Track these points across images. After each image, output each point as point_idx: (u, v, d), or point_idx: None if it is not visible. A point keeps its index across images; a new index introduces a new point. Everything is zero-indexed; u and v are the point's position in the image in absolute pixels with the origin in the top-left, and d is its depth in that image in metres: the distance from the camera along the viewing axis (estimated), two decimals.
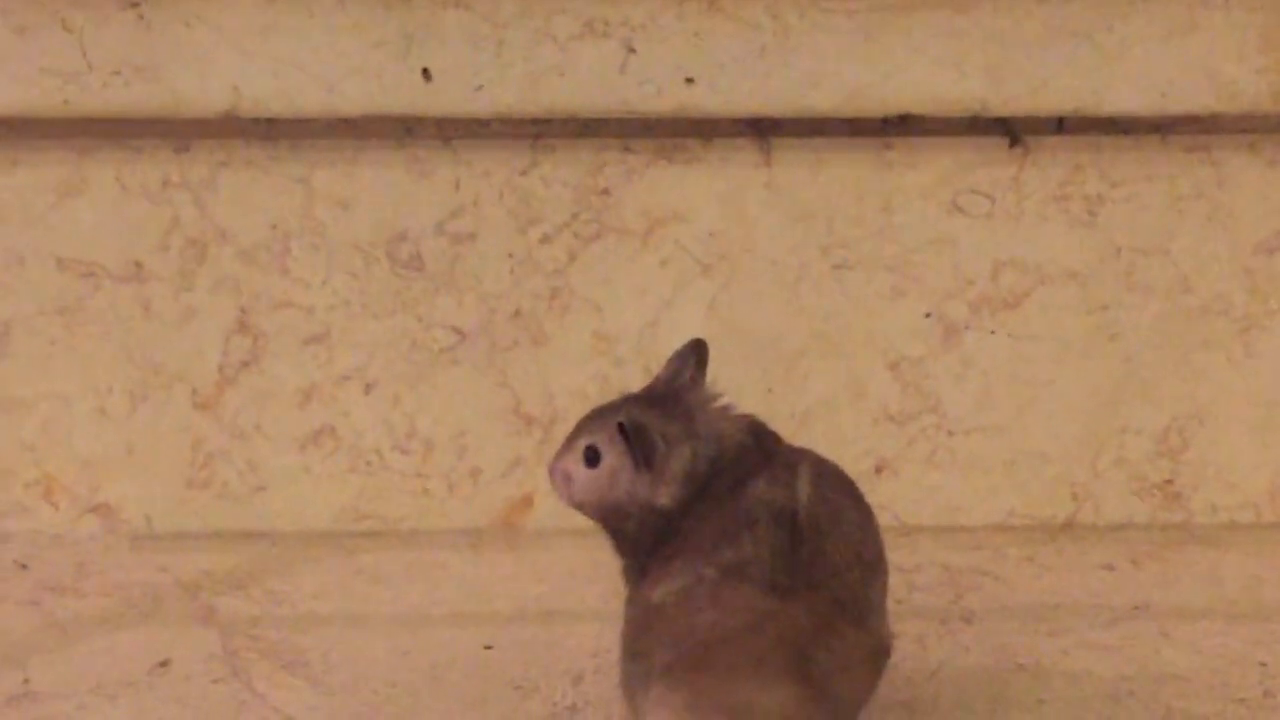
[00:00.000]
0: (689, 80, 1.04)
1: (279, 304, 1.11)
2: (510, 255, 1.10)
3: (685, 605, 0.81)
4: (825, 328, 1.10)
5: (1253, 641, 0.96)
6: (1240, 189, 1.08)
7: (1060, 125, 1.06)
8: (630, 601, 0.85)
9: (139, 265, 1.10)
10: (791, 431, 0.96)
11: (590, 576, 1.06)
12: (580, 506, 0.87)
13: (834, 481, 0.86)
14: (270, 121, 1.07)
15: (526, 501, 1.13)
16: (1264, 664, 0.93)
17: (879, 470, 1.10)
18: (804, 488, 0.84)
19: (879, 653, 0.84)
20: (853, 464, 0.92)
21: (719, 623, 0.79)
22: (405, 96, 1.05)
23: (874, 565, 0.85)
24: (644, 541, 0.85)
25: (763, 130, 1.07)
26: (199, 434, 1.12)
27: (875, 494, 0.94)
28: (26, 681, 0.93)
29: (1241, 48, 1.02)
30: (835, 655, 0.81)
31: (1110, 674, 0.93)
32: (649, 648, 0.81)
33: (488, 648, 0.96)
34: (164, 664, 0.95)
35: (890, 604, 0.88)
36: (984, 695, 0.90)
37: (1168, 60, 1.03)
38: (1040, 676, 0.92)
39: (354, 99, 1.06)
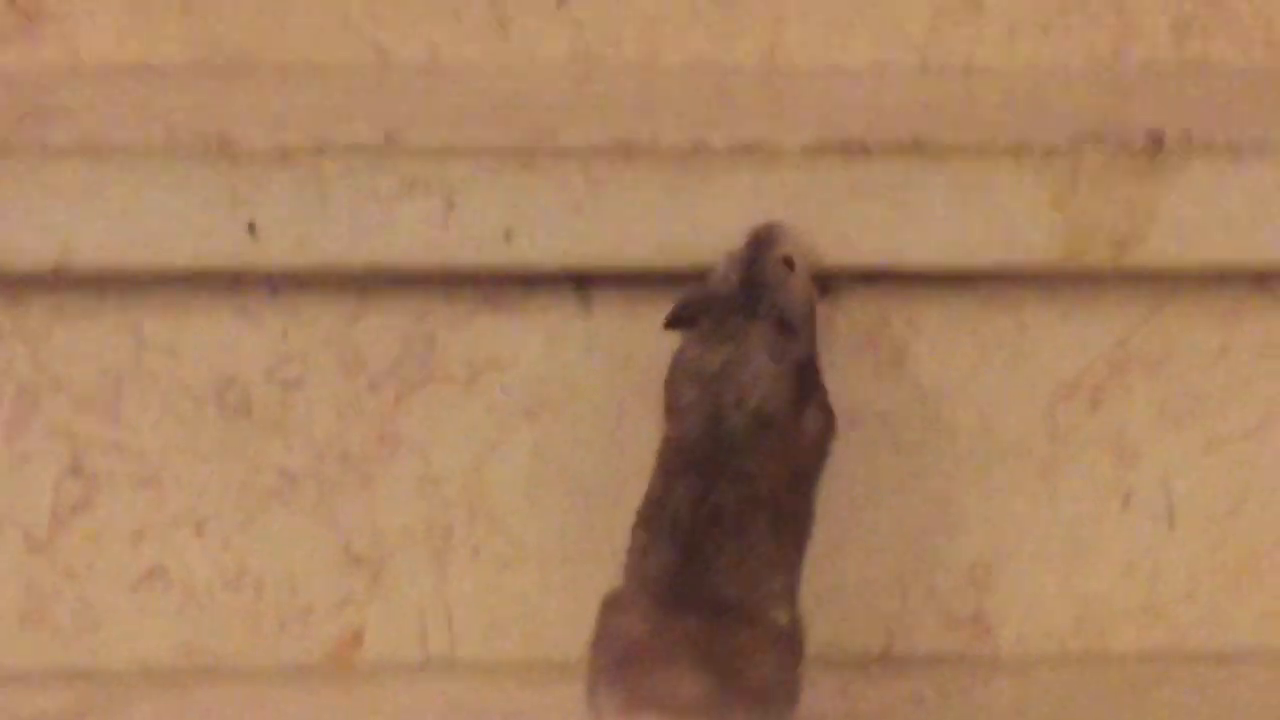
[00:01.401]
0: (508, 235, 1.10)
1: (111, 448, 1.15)
2: (337, 401, 1.15)
3: (610, 611, 0.98)
4: (646, 468, 1.15)
5: None
6: (1039, 336, 1.15)
7: (867, 277, 1.13)
8: None
9: None
10: (613, 573, 1.02)
11: (420, 712, 1.11)
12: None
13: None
14: (101, 274, 1.11)
15: (356, 639, 1.18)
16: None
17: None
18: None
19: (786, 640, 0.97)
20: None
21: (632, 626, 0.95)
22: (232, 250, 1.10)
23: (775, 562, 0.97)
24: None
25: (582, 281, 1.13)
26: (31, 575, 1.16)
27: None
28: None
29: (1035, 206, 1.09)
30: (735, 648, 0.94)
31: None
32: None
33: None
34: None
35: None
36: None
37: (966, 216, 1.10)
38: None
39: (182, 253, 1.11)
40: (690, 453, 1.01)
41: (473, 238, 1.10)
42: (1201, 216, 1.09)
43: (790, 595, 0.99)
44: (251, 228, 1.10)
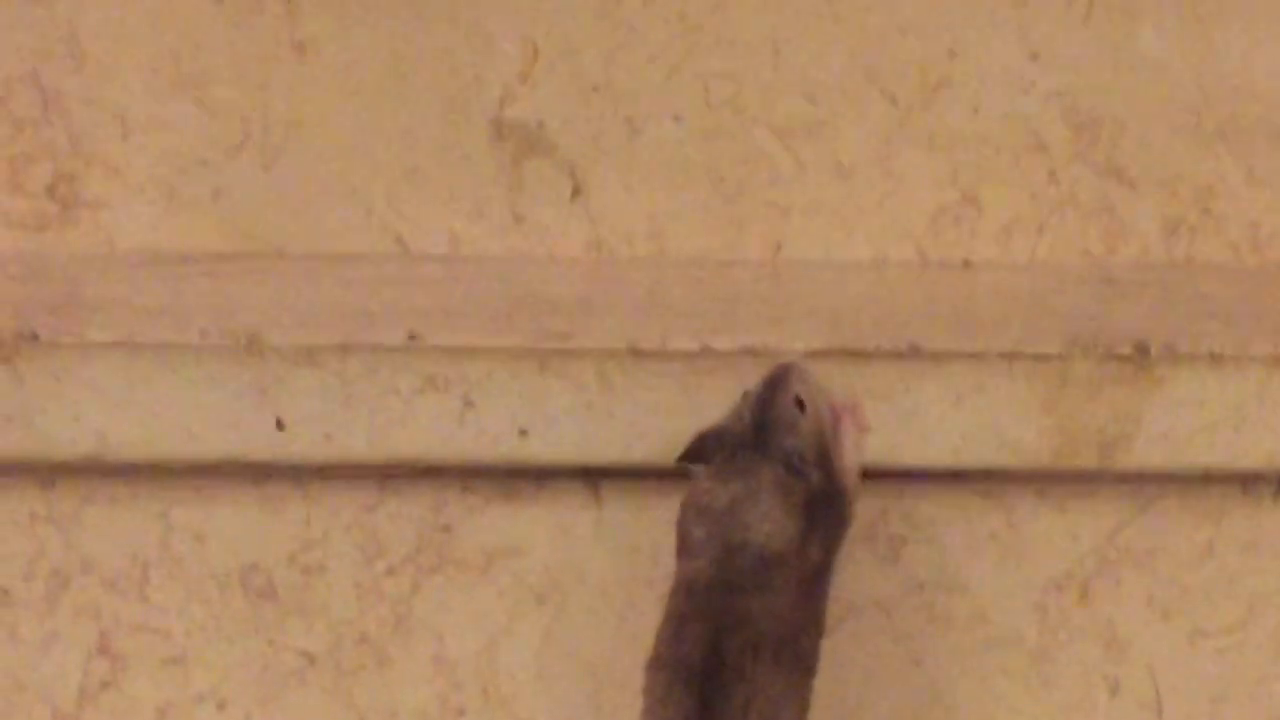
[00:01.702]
0: (523, 432, 1.16)
1: (138, 628, 1.20)
2: (357, 585, 1.20)
3: None
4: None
5: None
6: (1031, 532, 1.20)
7: (866, 474, 1.18)
8: None
9: (5, 592, 1.20)
10: None
11: None
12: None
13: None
14: (133, 465, 1.17)
15: None
16: None
17: None
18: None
19: None
20: None
21: None
22: (259, 444, 1.16)
23: (784, 696, 1.03)
24: None
25: (593, 475, 1.18)
26: None
27: None
28: None
29: (1025, 410, 1.15)
30: None
31: None
32: None
33: None
34: None
35: None
36: None
37: (959, 419, 1.15)
38: None
39: (211, 445, 1.16)
40: (699, 596, 1.05)
41: (489, 434, 1.16)
42: (1185, 422, 1.15)
43: None
44: (279, 423, 1.16)
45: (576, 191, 1.36)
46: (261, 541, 1.20)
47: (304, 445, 1.16)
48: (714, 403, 1.16)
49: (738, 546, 1.04)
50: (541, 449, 1.16)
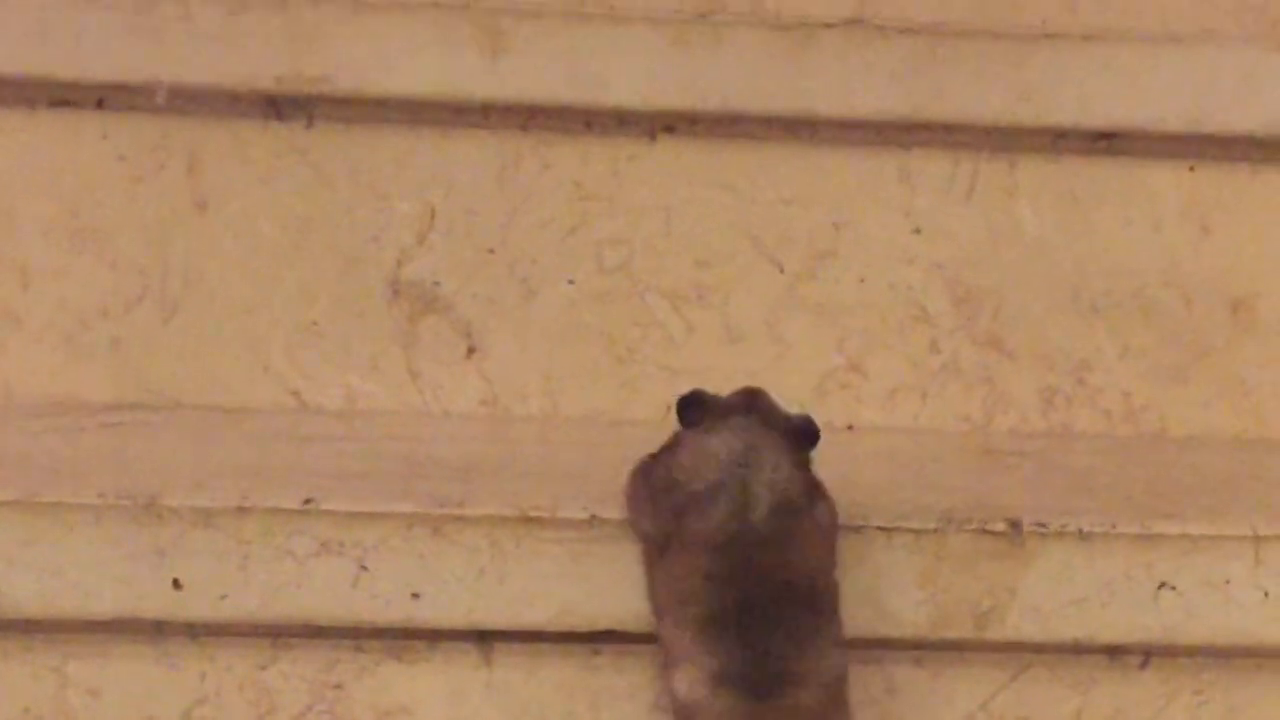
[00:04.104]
0: (415, 595, 1.21)
1: None
2: None
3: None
4: None
5: None
6: (908, 698, 1.26)
7: None
8: None
9: None
10: None
11: None
12: None
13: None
14: (28, 621, 1.21)
15: None
16: None
17: None
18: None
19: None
20: None
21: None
22: (155, 603, 1.21)
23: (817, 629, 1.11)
24: None
25: (484, 638, 1.24)
26: None
27: None
28: None
29: (904, 582, 1.21)
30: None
31: None
32: None
33: None
34: None
35: None
36: None
37: (841, 588, 1.21)
38: None
39: (107, 603, 1.21)
40: (725, 553, 1.10)
41: (381, 597, 1.21)
42: (1056, 596, 1.22)
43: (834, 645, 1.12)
44: (176, 583, 1.21)
45: (471, 350, 1.42)
46: (156, 697, 1.24)
47: (200, 605, 1.21)
48: (602, 569, 1.22)
49: (757, 494, 1.10)
50: (433, 612, 1.21)
